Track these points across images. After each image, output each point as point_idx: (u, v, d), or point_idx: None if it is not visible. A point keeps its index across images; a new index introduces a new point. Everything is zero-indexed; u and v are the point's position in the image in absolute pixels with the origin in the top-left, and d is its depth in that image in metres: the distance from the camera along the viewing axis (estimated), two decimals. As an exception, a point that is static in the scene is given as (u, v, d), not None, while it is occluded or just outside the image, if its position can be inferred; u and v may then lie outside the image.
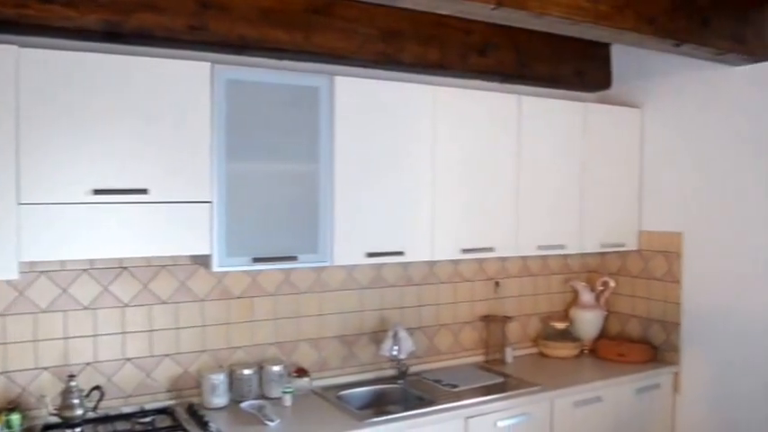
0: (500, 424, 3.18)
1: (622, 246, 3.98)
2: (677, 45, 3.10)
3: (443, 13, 2.67)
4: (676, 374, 3.83)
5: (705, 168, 3.68)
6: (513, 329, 3.99)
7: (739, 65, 3.46)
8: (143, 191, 2.60)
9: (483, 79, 3.72)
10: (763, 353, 3.41)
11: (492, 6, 2.48)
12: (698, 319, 3.73)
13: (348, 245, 3.05)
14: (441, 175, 3.29)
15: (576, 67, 4.01)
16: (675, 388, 3.83)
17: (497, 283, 3.94)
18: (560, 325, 4.06)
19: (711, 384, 3.66)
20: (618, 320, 4.17)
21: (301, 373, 3.27)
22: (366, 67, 3.33)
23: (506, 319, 3.89)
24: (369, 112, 3.10)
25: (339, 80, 3.01)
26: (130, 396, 2.97)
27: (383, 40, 3.29)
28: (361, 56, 3.25)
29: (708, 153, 3.67)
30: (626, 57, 4.05)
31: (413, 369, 3.57)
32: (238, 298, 3.21)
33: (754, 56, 3.35)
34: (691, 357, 3.77)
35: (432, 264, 3.70)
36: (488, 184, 3.45)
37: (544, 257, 4.12)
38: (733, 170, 3.54)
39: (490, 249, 3.47)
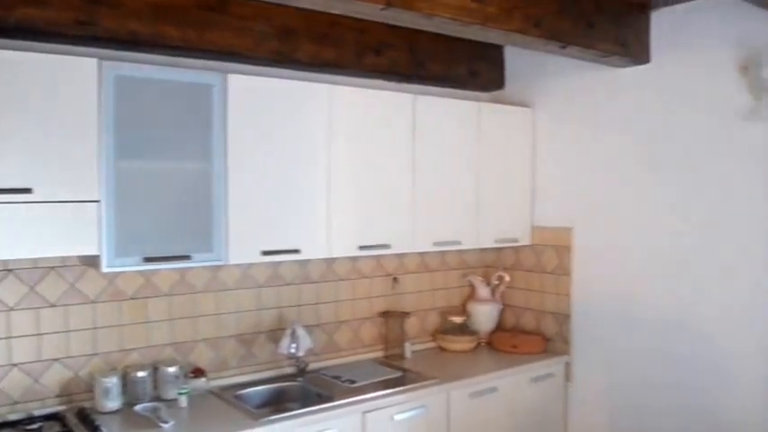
0: (397, 417, 3.24)
1: (516, 241, 4.12)
2: (563, 47, 3.23)
3: (335, 12, 2.70)
4: (568, 364, 4.00)
5: (593, 165, 3.86)
6: (411, 324, 4.06)
7: (622, 67, 3.64)
8: (27, 190, 2.52)
9: (379, 78, 3.77)
10: (647, 342, 3.60)
11: (381, 7, 2.52)
12: (587, 310, 3.91)
13: (243, 243, 3.04)
14: (336, 172, 3.33)
15: (470, 68, 4.12)
16: (567, 377, 4.00)
17: (396, 280, 4.00)
18: (458, 319, 4.16)
19: (600, 372, 3.84)
20: (513, 313, 4.32)
21: (198, 373, 3.24)
22: (261, 65, 3.33)
23: (405, 314, 3.96)
24: (263, 110, 3.09)
25: (233, 78, 3.00)
26: (17, 403, 2.86)
27: (278, 39, 3.29)
28: (257, 54, 3.25)
29: (595, 151, 3.84)
30: (518, 57, 4.20)
31: (312, 366, 3.59)
32: (131, 299, 3.15)
33: (636, 58, 3.53)
34: (581, 347, 3.95)
35: (330, 261, 3.73)
36: (384, 181, 3.51)
37: (441, 253, 4.21)
38: (619, 167, 3.73)
39: (387, 246, 3.53)
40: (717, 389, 3.31)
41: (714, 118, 3.29)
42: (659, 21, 3.52)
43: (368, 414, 3.15)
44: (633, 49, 3.50)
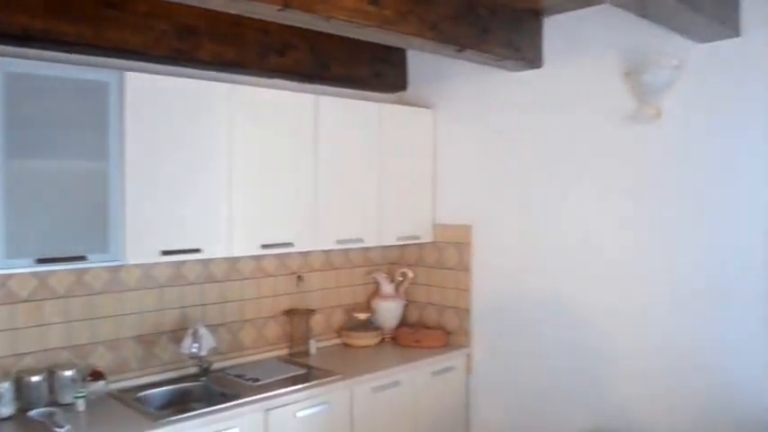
0: (300, 414, 3.25)
1: (418, 238, 4.20)
2: (460, 50, 3.31)
3: (233, 12, 2.68)
4: (468, 356, 4.10)
5: (491, 165, 3.97)
6: (317, 322, 4.08)
7: (517, 70, 3.77)
8: None
9: (282, 79, 3.77)
10: (542, 333, 3.74)
11: (278, 8, 2.52)
12: (486, 304, 4.02)
13: (141, 243, 2.98)
14: (237, 172, 3.30)
15: (373, 69, 4.17)
16: (468, 369, 4.11)
17: (300, 278, 4.01)
18: (362, 316, 4.21)
19: (499, 363, 3.97)
20: (416, 309, 4.40)
21: (97, 376, 3.15)
22: (161, 63, 3.27)
23: (310, 312, 3.97)
24: (162, 109, 3.04)
25: (130, 76, 2.94)
26: None
27: (179, 37, 3.24)
28: (156, 52, 3.19)
29: (493, 151, 3.96)
30: (421, 60, 4.27)
31: (217, 365, 3.55)
32: (25, 301, 3.03)
33: (529, 63, 3.65)
34: (480, 340, 4.06)
35: (234, 260, 3.70)
36: (286, 180, 3.51)
37: (346, 251, 4.25)
38: (515, 167, 3.85)
39: (290, 245, 3.54)
40: (604, 377, 3.47)
41: (602, 120, 3.45)
42: (552, 27, 3.66)
43: (270, 412, 3.15)
44: (527, 53, 3.62)
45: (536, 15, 3.65)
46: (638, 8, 2.67)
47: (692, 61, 3.14)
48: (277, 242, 3.48)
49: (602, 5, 3.24)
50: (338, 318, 4.27)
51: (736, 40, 3.00)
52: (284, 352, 3.93)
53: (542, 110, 3.71)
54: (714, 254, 3.10)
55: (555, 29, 3.65)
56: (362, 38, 3.05)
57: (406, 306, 4.38)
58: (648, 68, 3.19)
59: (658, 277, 3.27)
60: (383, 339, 4.23)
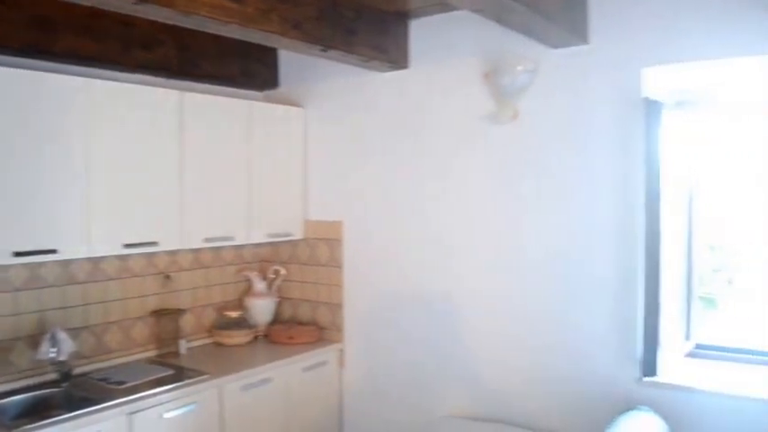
0: (167, 416, 3.15)
1: (290, 235, 4.17)
2: (325, 50, 3.31)
3: (86, 4, 2.55)
4: (341, 351, 4.12)
5: (360, 162, 4.00)
6: (187, 322, 3.97)
7: (384, 71, 3.81)
8: None
9: (148, 75, 3.63)
10: (412, 326, 3.81)
11: (134, 0, 2.43)
12: (358, 299, 4.05)
13: (-10, 245, 2.80)
14: (96, 169, 3.15)
15: (243, 67, 4.09)
16: (340, 363, 4.12)
17: (168, 277, 3.88)
18: (234, 314, 4.13)
19: (371, 356, 4.00)
20: (290, 306, 4.36)
21: (-58, 386, 2.94)
22: (13, 55, 3.07)
23: (179, 311, 3.86)
24: (13, 103, 2.86)
25: (-25, 68, 2.75)
26: None
27: (33, 28, 3.06)
28: (8, 44, 3.00)
29: (362, 148, 3.99)
30: (292, 58, 4.24)
31: (80, 370, 3.39)
32: None
33: (395, 64, 3.70)
34: (353, 334, 4.08)
35: (97, 260, 3.54)
36: (151, 178, 3.39)
37: (217, 249, 4.15)
38: (383, 164, 3.90)
39: (154, 243, 3.42)
40: (472, 364, 3.59)
41: (464, 119, 3.55)
42: (417, 29, 3.73)
43: (135, 414, 3.03)
44: (393, 55, 3.67)
45: (402, 18, 3.70)
46: (494, 15, 2.75)
47: (546, 65, 3.28)
48: (141, 241, 3.35)
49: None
50: (209, 317, 4.17)
51: (585, 47, 3.16)
52: (153, 353, 3.80)
53: (409, 109, 3.77)
54: (569, 248, 3.27)
55: (421, 31, 3.72)
56: (225, 34, 2.98)
57: (279, 303, 4.34)
58: (506, 71, 3.31)
59: (519, 268, 3.42)
60: (256, 337, 4.17)
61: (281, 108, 4.11)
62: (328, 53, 3.36)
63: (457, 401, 3.64)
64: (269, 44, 3.24)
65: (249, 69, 4.14)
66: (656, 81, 3.09)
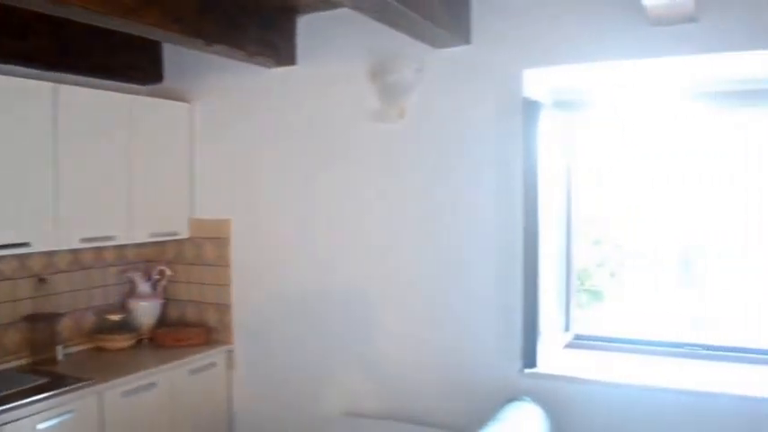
0: (40, 426, 2.98)
1: (175, 234, 4.03)
2: (208, 45, 3.22)
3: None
4: (230, 352, 4.02)
5: (250, 159, 3.92)
6: (65, 326, 3.76)
7: (270, 67, 3.74)
8: None
9: (21, 65, 3.39)
10: (305, 324, 3.77)
11: (-2, -13, 2.28)
12: (248, 298, 3.97)
13: None
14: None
15: (127, 60, 3.93)
16: (230, 365, 4.03)
17: (43, 280, 3.66)
18: (116, 317, 3.96)
19: (262, 356, 3.93)
20: (177, 307, 4.22)
21: None
22: None
23: (55, 316, 3.65)
24: None
25: None
26: None
27: None
28: None
29: (252, 146, 3.91)
30: (177, 52, 4.09)
31: (-58, 381, 3.15)
32: None
33: (283, 60, 3.65)
34: (243, 335, 4.00)
35: (-38, 264, 3.30)
36: (20, 177, 3.18)
37: (98, 250, 3.95)
38: (273, 161, 3.83)
39: (26, 245, 3.21)
40: (367, 360, 3.61)
41: (352, 118, 3.55)
42: (305, 26, 3.69)
43: (4, 427, 2.84)
44: (280, 51, 3.62)
45: (289, 13, 3.65)
46: (375, 14, 2.75)
47: (432, 65, 3.33)
48: (9, 243, 3.14)
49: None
50: (90, 321, 3.97)
51: (468, 47, 3.22)
52: (26, 361, 3.57)
53: (298, 106, 3.73)
54: (454, 244, 3.34)
55: (309, 28, 3.68)
56: (103, 25, 2.85)
57: (165, 305, 4.19)
58: (392, 70, 3.34)
59: (407, 264, 3.47)
60: (140, 341, 4.01)
61: (165, 103, 3.97)
62: (212, 48, 3.27)
63: (351, 400, 3.64)
64: (149, 37, 3.12)
65: (133, 62, 3.98)
66: (537, 82, 3.20)
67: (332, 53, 3.60)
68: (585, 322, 4.03)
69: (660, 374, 3.10)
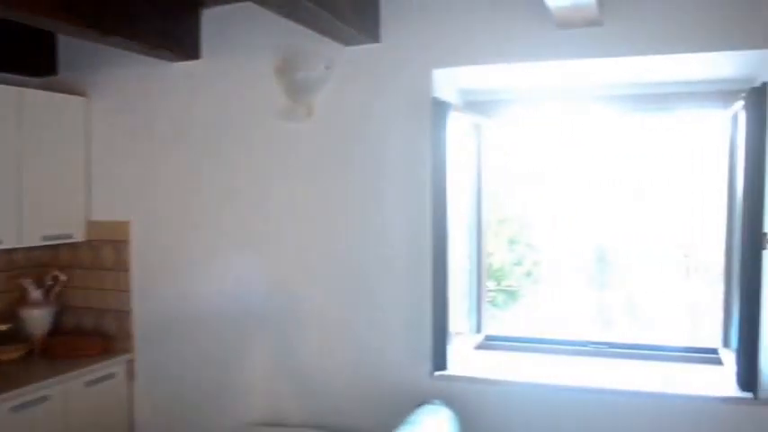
0: None
1: (70, 237, 3.85)
2: (104, 35, 3.08)
3: None
4: (131, 362, 3.87)
5: (151, 158, 3.78)
6: (-55, 337, 3.53)
7: (173, 61, 3.62)
8: None
9: None
10: (209, 333, 3.67)
11: None
12: (149, 305, 3.82)
13: None
14: None
15: (17, 51, 3.72)
16: (130, 375, 3.87)
17: None
18: (2, 327, 3.73)
19: (165, 364, 3.80)
20: (73, 315, 4.03)
21: None
22: None
23: (-66, 327, 3.42)
24: None
25: None
26: None
27: None
28: None
29: (152, 143, 3.77)
30: (74, 44, 3.89)
31: None
32: None
33: (186, 53, 3.53)
34: (144, 343, 3.85)
35: None
36: None
37: (-17, 255, 3.73)
38: (176, 160, 3.71)
39: None
40: (274, 366, 3.56)
41: (260, 116, 3.48)
42: (210, 19, 3.59)
43: None
44: (183, 44, 3.50)
45: (193, 5, 3.53)
46: (280, 9, 2.70)
47: (341, 62, 3.30)
48: None
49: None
50: (-26, 331, 3.73)
51: (377, 45, 3.21)
52: None
53: (202, 103, 3.63)
54: (364, 246, 3.32)
55: (214, 21, 3.58)
56: (-16, 13, 2.67)
57: (59, 313, 3.98)
58: (300, 67, 3.29)
59: (316, 267, 3.43)
60: (31, 351, 3.80)
61: (58, 96, 3.77)
62: (109, 39, 3.14)
63: (262, 408, 3.56)
64: (37, 26, 2.96)
65: (24, 54, 3.77)
66: (447, 82, 3.22)
67: (238, 48, 3.51)
68: (502, 322, 4.09)
69: (567, 373, 3.19)
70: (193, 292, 3.70)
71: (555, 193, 4.39)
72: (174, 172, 3.71)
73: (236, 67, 3.52)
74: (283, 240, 3.47)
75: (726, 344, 3.29)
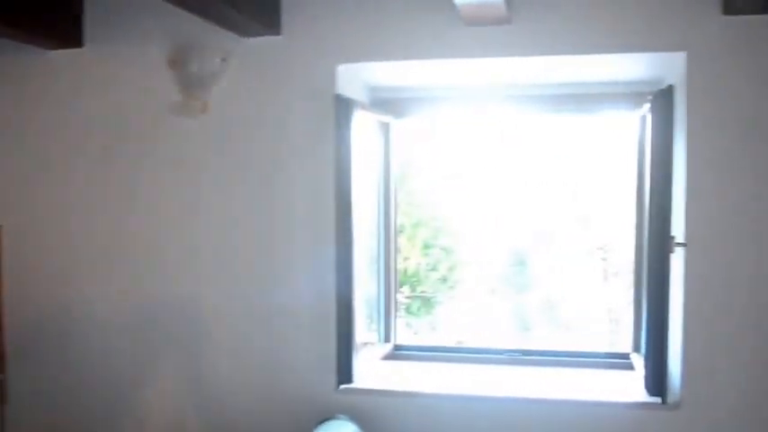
0: None
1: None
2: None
3: None
4: (2, 382, 3.74)
5: (25, 155, 3.63)
6: None
7: (54, 49, 3.50)
8: None
9: None
10: (92, 348, 3.59)
11: None
12: (24, 318, 3.68)
13: None
14: None
15: None
16: (2, 398, 3.74)
17: None
18: None
19: (42, 387, 3.65)
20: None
21: None
22: None
23: None
24: None
25: None
26: None
27: None
28: None
29: (27, 139, 3.62)
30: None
31: None
32: None
33: (68, 41, 3.44)
34: (18, 361, 3.71)
35: None
36: None
37: None
38: (53, 158, 3.59)
39: None
40: (170, 378, 3.53)
41: (153, 111, 3.42)
42: (95, 3, 3.50)
43: None
44: (63, 30, 3.41)
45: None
46: (171, -4, 2.70)
47: (239, 55, 3.30)
48: None
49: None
50: None
51: (278, 38, 3.25)
52: None
53: (86, 95, 3.51)
54: (267, 252, 3.33)
55: (99, 5, 3.49)
56: None
57: None
58: (194, 59, 3.28)
59: (216, 274, 3.41)
60: None
61: None
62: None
63: (156, 422, 3.51)
64: None
65: None
66: (352, 79, 3.28)
67: (126, 35, 3.42)
68: (417, 330, 4.19)
69: (481, 383, 3.31)
70: (75, 302, 3.59)
71: (471, 195, 4.53)
72: (52, 172, 3.58)
73: (123, 57, 3.44)
74: (178, 246, 3.43)
75: (636, 348, 3.49)
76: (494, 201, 4.33)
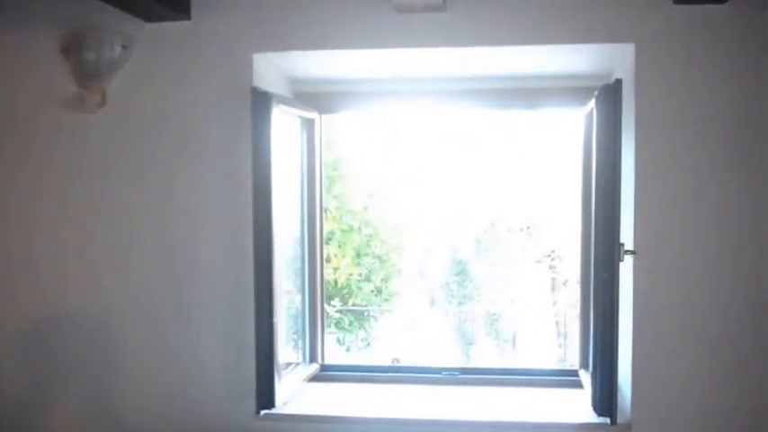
0: None
1: None
2: None
3: None
4: None
5: None
6: None
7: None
8: None
9: None
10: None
11: None
12: None
13: None
14: None
15: None
16: None
17: None
18: None
19: None
20: None
21: None
22: None
23: None
24: None
25: None
26: None
27: None
28: None
29: None
30: None
31: None
32: None
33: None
34: None
35: None
36: None
37: None
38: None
39: None
40: (87, 400, 3.44)
41: (44, 106, 3.32)
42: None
43: None
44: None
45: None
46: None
47: (144, 42, 3.23)
48: None
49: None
50: None
51: (187, 23, 3.18)
52: None
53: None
54: (175, 262, 3.29)
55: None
56: None
57: None
58: (92, 46, 3.19)
59: (122, 285, 3.34)
60: None
61: None
62: None
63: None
64: None
65: None
66: (271, 69, 3.23)
67: (14, 18, 3.31)
68: (348, 347, 4.16)
69: (413, 405, 3.30)
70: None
71: (407, 198, 4.53)
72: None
73: (8, 42, 3.33)
74: (76, 260, 3.33)
75: (584, 365, 3.52)
76: (433, 204, 4.33)
